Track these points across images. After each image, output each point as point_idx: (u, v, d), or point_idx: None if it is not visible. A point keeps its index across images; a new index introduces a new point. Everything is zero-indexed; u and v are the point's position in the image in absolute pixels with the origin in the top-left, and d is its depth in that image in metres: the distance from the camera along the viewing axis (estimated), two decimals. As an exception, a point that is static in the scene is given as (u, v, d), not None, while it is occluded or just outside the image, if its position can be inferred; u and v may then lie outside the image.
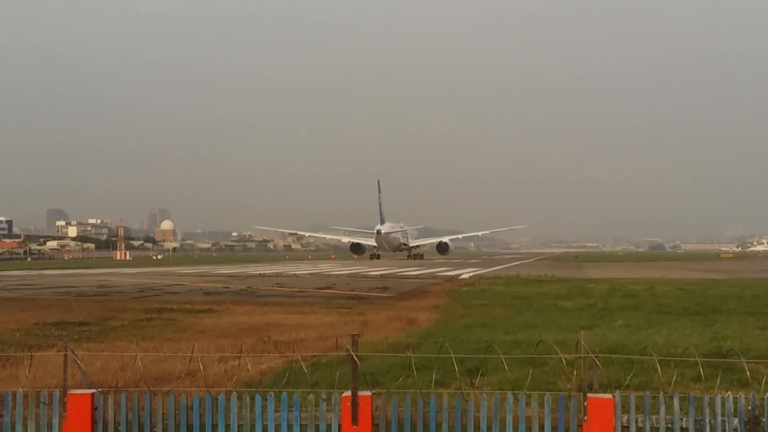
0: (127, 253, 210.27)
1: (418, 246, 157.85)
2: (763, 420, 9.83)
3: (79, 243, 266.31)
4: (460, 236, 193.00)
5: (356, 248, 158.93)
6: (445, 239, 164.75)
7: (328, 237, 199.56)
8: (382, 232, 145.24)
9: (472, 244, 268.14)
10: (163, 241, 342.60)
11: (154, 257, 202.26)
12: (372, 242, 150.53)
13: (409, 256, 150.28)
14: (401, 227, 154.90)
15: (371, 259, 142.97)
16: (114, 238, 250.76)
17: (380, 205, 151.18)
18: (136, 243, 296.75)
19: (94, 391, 10.58)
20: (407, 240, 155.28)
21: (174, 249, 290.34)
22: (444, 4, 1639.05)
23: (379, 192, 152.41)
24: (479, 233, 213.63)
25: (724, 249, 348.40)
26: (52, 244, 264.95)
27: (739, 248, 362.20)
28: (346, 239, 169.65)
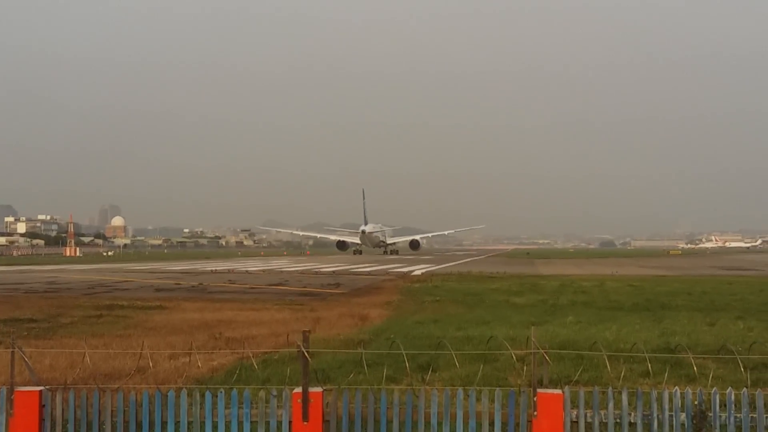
0: (78, 249, 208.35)
1: (394, 243, 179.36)
2: (710, 414, 9.96)
3: (28, 239, 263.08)
4: (429, 235, 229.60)
5: (341, 245, 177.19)
6: (417, 237, 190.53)
7: (318, 236, 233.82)
8: (366, 231, 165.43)
9: (424, 241, 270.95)
10: (114, 237, 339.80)
11: (105, 254, 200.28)
12: (355, 240, 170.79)
13: (385, 252, 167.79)
14: (380, 227, 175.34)
15: (354, 254, 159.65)
16: (64, 235, 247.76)
17: (364, 209, 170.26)
18: (86, 239, 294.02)
19: (42, 388, 10.42)
20: (385, 238, 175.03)
21: (125, 245, 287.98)
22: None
23: (364, 198, 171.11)
24: (446, 232, 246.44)
25: (680, 245, 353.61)
26: (0, 240, 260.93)
27: (689, 245, 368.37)
28: (333, 237, 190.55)
